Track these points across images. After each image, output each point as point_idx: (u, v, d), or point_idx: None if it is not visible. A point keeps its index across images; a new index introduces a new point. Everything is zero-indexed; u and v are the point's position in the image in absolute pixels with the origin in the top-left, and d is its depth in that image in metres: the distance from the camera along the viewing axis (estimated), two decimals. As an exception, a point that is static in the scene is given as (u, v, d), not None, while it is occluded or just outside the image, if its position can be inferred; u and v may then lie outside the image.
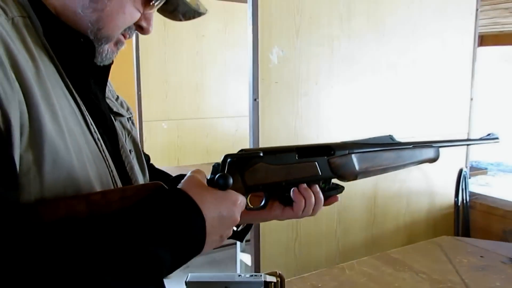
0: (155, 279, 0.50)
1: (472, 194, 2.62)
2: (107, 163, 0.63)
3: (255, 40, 1.80)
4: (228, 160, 0.69)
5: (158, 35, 3.30)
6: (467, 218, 2.46)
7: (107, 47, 0.65)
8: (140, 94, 3.24)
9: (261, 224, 1.92)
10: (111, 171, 0.64)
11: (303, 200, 0.75)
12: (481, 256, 1.41)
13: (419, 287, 1.19)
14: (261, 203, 0.77)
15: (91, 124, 0.61)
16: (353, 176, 0.80)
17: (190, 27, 3.44)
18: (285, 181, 0.74)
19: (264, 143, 1.87)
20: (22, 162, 0.49)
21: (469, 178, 2.62)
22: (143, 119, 3.21)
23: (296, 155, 0.75)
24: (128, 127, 0.78)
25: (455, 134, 2.49)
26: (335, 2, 1.98)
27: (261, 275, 1.00)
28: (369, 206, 2.25)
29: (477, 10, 2.46)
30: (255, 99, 1.84)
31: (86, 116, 0.61)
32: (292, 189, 0.76)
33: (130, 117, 0.81)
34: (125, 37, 0.68)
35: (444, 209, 2.54)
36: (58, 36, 0.59)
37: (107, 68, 0.71)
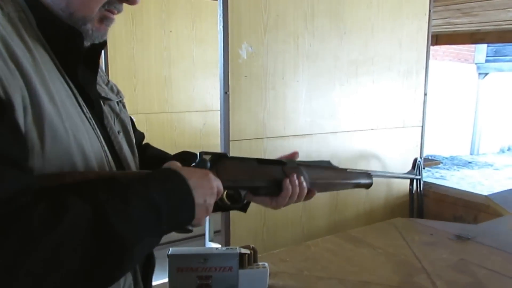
0: (155, 222, 0.61)
1: (426, 184, 2.82)
2: (99, 139, 0.70)
3: (225, 36, 1.90)
4: (203, 156, 0.82)
5: (126, 30, 3.32)
6: (421, 204, 2.65)
7: (89, 27, 0.68)
8: (109, 88, 3.26)
9: (231, 213, 2.02)
10: (104, 149, 0.71)
11: (291, 189, 0.87)
12: (431, 234, 1.58)
13: (376, 259, 1.33)
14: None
15: (83, 106, 0.68)
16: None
17: (158, 23, 3.49)
18: (250, 181, 0.87)
19: (234, 134, 1.97)
20: (27, 139, 0.56)
21: (423, 168, 2.82)
22: (112, 113, 3.24)
23: (256, 162, 0.88)
24: (117, 110, 0.84)
25: (410, 126, 2.68)
26: (300, 2, 2.11)
27: (236, 248, 1.11)
28: (332, 194, 2.40)
29: (430, 11, 2.65)
30: (225, 92, 1.93)
31: (78, 99, 0.67)
32: (284, 179, 0.88)
33: (120, 101, 0.87)
34: (112, 12, 0.71)
35: (400, 197, 2.73)
36: (48, 26, 0.65)
37: (97, 52, 0.76)
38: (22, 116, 0.55)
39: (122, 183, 0.62)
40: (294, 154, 0.96)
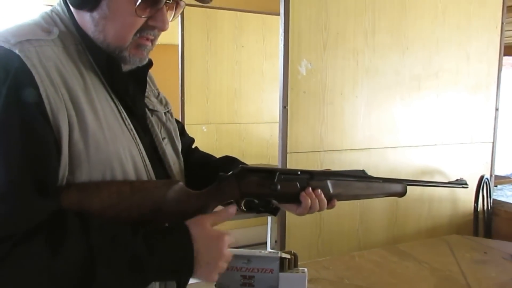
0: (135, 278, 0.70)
1: (496, 202, 2.70)
2: (138, 147, 0.81)
3: (286, 53, 2.02)
4: (230, 172, 0.91)
5: (201, 45, 3.57)
6: (488, 223, 2.55)
7: (127, 54, 0.78)
8: (184, 100, 3.52)
9: (287, 220, 2.12)
10: (141, 153, 0.82)
11: (309, 201, 0.94)
12: (485, 252, 1.55)
13: (420, 274, 1.36)
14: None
15: (126, 119, 0.80)
16: (328, 197, 0.97)
17: (231, 39, 3.70)
18: (271, 194, 0.93)
19: (291, 147, 2.08)
20: (75, 149, 0.70)
21: (495, 186, 2.70)
22: (185, 122, 3.49)
23: (282, 176, 0.94)
24: (164, 119, 0.96)
25: (479, 142, 2.59)
26: (360, 19, 2.17)
27: (277, 252, 1.20)
28: (391, 208, 2.40)
29: (502, 23, 2.56)
30: (284, 107, 2.05)
31: (122, 113, 0.80)
32: (301, 193, 0.94)
33: (167, 111, 0.99)
34: (147, 39, 0.79)
35: (466, 215, 2.64)
36: (96, 55, 0.78)
37: (144, 71, 0.88)
38: (67, 132, 0.68)
39: (126, 237, 0.71)
40: (328, 170, 1.01)
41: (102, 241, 0.68)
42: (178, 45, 3.56)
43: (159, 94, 1.00)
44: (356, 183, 1.02)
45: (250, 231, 4.08)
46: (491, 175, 2.67)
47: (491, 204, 2.60)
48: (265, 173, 0.93)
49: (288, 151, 2.07)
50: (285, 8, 1.99)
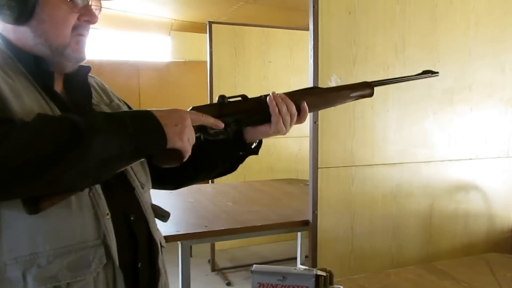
0: (113, 123, 0.74)
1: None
2: None
3: (315, 68, 2.02)
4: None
5: (230, 62, 3.62)
6: (528, 241, 2.45)
7: (69, 50, 0.85)
8: (212, 115, 3.57)
9: (319, 235, 2.09)
10: None
11: (275, 105, 1.00)
12: (527, 272, 1.49)
13: (459, 294, 1.31)
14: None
15: (56, 114, 0.83)
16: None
17: (259, 54, 3.74)
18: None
19: (322, 162, 2.07)
20: None
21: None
22: (214, 137, 3.52)
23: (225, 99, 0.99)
24: None
25: (515, 157, 2.51)
26: (390, 34, 2.15)
27: (313, 270, 1.19)
28: (425, 225, 2.34)
29: (539, 34, 2.49)
30: (315, 122, 2.04)
31: (53, 111, 0.83)
32: (267, 97, 1.01)
33: None
34: (83, 35, 0.87)
35: (505, 232, 2.55)
36: (24, 61, 0.84)
37: (84, 76, 0.94)
38: None
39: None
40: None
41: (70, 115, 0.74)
42: (206, 62, 3.62)
43: (111, 102, 1.03)
44: (312, 91, 1.11)
45: (279, 246, 4.06)
46: (530, 190, 2.57)
47: (531, 220, 2.50)
48: (217, 104, 0.98)
49: (319, 166, 2.06)
50: (314, 23, 2.00)
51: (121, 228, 0.87)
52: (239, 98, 1.03)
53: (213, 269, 3.69)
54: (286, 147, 3.91)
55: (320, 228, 2.09)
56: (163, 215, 1.06)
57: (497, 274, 1.46)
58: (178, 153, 0.82)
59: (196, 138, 0.87)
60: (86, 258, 0.80)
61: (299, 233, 3.02)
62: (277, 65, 3.82)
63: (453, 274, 1.44)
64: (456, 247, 2.42)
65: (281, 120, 1.01)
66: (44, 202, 0.72)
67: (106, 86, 1.06)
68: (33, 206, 0.72)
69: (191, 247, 2.01)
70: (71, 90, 0.92)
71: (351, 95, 1.12)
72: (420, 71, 2.12)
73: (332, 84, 2.06)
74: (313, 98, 1.08)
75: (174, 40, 5.10)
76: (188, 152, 0.82)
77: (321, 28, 2.01)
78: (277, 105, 1.00)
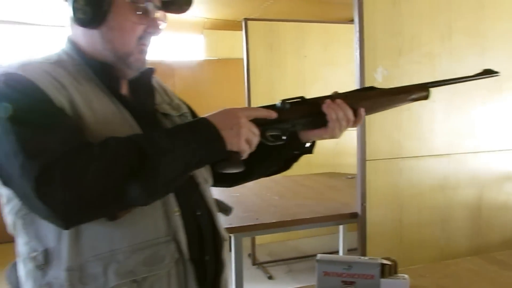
0: (178, 141, 0.78)
1: None
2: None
3: (362, 60, 2.02)
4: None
5: (266, 58, 3.65)
6: None
7: (132, 59, 0.89)
8: (250, 111, 3.60)
9: (368, 228, 2.09)
10: None
11: (333, 111, 0.99)
12: None
13: (524, 283, 1.30)
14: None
15: (126, 117, 0.88)
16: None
17: (294, 49, 3.74)
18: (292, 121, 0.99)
19: (370, 154, 2.06)
20: None
21: None
22: (252, 134, 3.55)
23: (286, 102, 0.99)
24: (177, 121, 1.02)
25: None
26: (436, 22, 2.13)
27: (378, 258, 1.20)
28: (473, 217, 2.31)
29: None
30: (361, 114, 2.03)
31: (122, 112, 0.88)
32: (322, 105, 1.00)
33: (180, 114, 1.05)
34: (145, 45, 0.91)
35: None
36: (94, 67, 0.89)
37: (148, 78, 0.99)
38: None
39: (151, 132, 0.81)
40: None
41: (135, 134, 0.81)
42: (243, 59, 3.65)
43: (172, 101, 1.07)
44: (368, 92, 1.07)
45: (317, 241, 4.07)
46: None
47: None
48: (276, 106, 0.98)
49: (367, 159, 2.06)
50: (359, 16, 2.00)
51: (189, 224, 0.91)
52: (298, 99, 1.03)
53: (253, 263, 3.73)
54: (322, 141, 3.87)
55: (369, 220, 2.09)
56: (226, 209, 1.10)
57: (561, 264, 1.43)
58: (236, 154, 0.85)
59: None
60: (160, 253, 0.85)
61: (341, 227, 3.02)
62: (312, 60, 3.82)
63: (515, 264, 1.43)
64: (506, 239, 2.37)
65: (338, 126, 1.02)
66: (122, 211, 0.80)
67: (166, 85, 1.11)
68: (112, 215, 0.79)
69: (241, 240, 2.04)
70: (136, 91, 0.97)
71: (408, 98, 1.11)
72: (468, 62, 2.08)
73: (379, 76, 2.05)
74: (369, 103, 1.07)
75: (207, 39, 5.16)
76: (245, 151, 0.85)
77: (366, 20, 2.00)
78: (334, 112, 1.00)
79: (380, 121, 2.08)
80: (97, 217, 0.77)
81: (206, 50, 5.24)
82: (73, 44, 0.91)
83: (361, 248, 2.10)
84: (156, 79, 1.07)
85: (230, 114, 0.85)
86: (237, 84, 4.05)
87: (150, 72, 0.99)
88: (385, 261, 1.19)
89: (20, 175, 0.70)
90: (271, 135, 0.98)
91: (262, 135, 0.94)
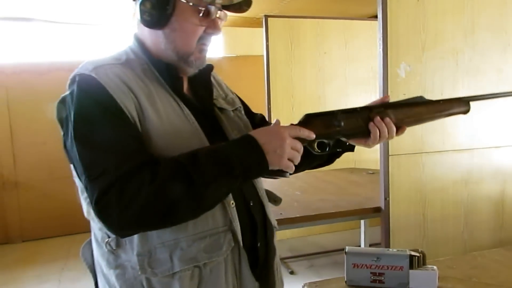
0: (221, 168, 0.83)
1: None
2: (199, 136, 0.93)
3: (385, 56, 2.04)
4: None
5: (285, 54, 3.68)
6: None
7: (192, 58, 0.94)
8: (270, 108, 3.64)
9: (391, 223, 2.13)
10: (203, 143, 0.93)
11: (377, 129, 0.99)
12: None
13: (551, 274, 1.32)
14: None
15: (188, 114, 0.93)
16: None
17: (314, 46, 3.77)
18: (337, 132, 1.00)
19: (393, 149, 2.09)
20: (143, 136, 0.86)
21: None
22: (272, 129, 3.60)
23: (344, 114, 1.00)
24: (232, 115, 1.08)
25: None
26: (459, 18, 2.14)
27: (406, 250, 1.24)
28: (497, 210, 2.32)
29: None
30: (384, 110, 2.06)
31: (184, 110, 0.93)
32: (369, 123, 0.99)
33: (234, 109, 1.11)
34: (205, 44, 0.95)
35: None
36: (158, 67, 0.95)
37: (207, 75, 1.04)
38: (138, 122, 0.86)
39: (198, 151, 0.85)
40: (385, 98, 1.05)
41: (185, 155, 0.84)
42: (263, 56, 3.69)
43: (226, 96, 1.13)
44: (416, 108, 1.04)
45: (337, 236, 4.10)
46: None
47: None
48: (328, 115, 1.00)
49: (390, 154, 2.09)
50: (383, 12, 2.02)
51: (243, 214, 0.97)
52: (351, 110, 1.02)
53: (274, 258, 3.77)
54: (342, 137, 3.92)
55: (392, 215, 2.12)
56: (275, 200, 1.15)
57: None
58: (279, 172, 0.90)
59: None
60: (218, 241, 0.92)
61: (362, 221, 3.05)
62: (332, 56, 3.84)
63: (541, 256, 1.45)
64: (530, 233, 2.38)
65: (377, 141, 1.02)
66: None
67: (221, 80, 1.16)
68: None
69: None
70: (196, 87, 1.03)
71: (449, 112, 1.08)
72: (491, 58, 2.09)
73: (402, 72, 2.07)
74: (413, 120, 1.05)
75: (225, 36, 5.20)
76: (290, 168, 0.90)
77: (389, 16, 2.03)
78: (380, 130, 1.00)
79: (403, 117, 2.10)
80: (151, 230, 0.87)
81: (225, 47, 5.29)
82: (140, 42, 0.98)
83: (384, 242, 2.13)
84: (213, 73, 1.13)
85: (277, 135, 0.89)
86: (257, 81, 4.09)
87: (209, 68, 1.05)
88: (413, 253, 1.23)
89: (86, 189, 0.82)
90: (318, 143, 1.01)
91: (310, 144, 0.99)
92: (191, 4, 0.90)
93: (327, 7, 4.35)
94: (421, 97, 1.07)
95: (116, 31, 4.60)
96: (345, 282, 1.27)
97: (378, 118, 1.00)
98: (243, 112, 1.15)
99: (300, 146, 0.91)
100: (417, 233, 2.19)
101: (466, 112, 1.09)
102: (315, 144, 1.01)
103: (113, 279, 0.92)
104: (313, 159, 1.15)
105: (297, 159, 0.91)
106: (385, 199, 2.11)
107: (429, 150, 2.17)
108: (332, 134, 1.01)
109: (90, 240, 1.00)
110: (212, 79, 1.10)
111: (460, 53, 2.16)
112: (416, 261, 1.23)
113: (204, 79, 1.04)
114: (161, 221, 0.82)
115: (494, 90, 2.21)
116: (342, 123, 1.00)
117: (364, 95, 3.87)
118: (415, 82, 2.10)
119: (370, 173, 3.21)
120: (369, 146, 1.05)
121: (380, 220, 2.16)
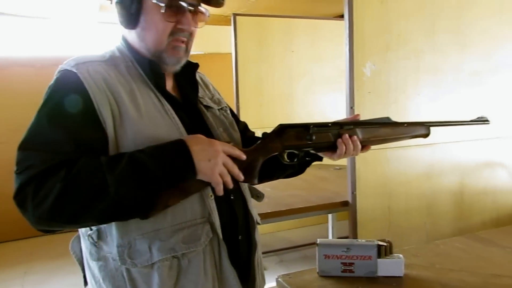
0: (139, 172, 0.84)
1: None
2: (179, 131, 0.95)
3: (351, 56, 2.12)
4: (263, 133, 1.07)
5: (254, 53, 3.72)
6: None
7: (165, 55, 0.97)
8: (239, 105, 3.68)
9: (358, 216, 2.21)
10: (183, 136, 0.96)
11: (344, 146, 1.06)
12: None
13: (507, 257, 1.43)
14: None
15: (168, 110, 0.96)
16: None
17: (281, 45, 3.83)
18: (308, 145, 1.06)
19: (359, 144, 2.17)
20: (119, 134, 0.88)
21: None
22: (242, 127, 3.64)
23: (316, 128, 1.05)
24: (217, 114, 1.12)
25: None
26: (420, 20, 2.25)
27: (374, 241, 1.31)
28: (456, 201, 2.45)
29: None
30: (351, 107, 2.15)
31: (164, 106, 0.96)
32: (338, 139, 1.05)
33: (220, 108, 1.15)
34: (178, 40, 0.97)
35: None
36: (141, 63, 0.98)
37: (192, 73, 1.07)
38: (111, 121, 0.88)
39: (134, 151, 0.86)
40: (356, 116, 1.14)
41: (108, 158, 0.85)
42: (231, 54, 3.72)
43: (213, 96, 1.18)
44: (382, 128, 1.13)
45: (306, 231, 4.19)
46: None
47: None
48: (301, 127, 1.06)
49: (357, 150, 2.17)
50: (349, 12, 2.10)
51: (223, 207, 1.00)
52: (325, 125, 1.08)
53: (245, 254, 3.82)
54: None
55: (359, 208, 2.21)
56: (258, 195, 1.19)
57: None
58: (209, 184, 0.92)
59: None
60: (196, 233, 0.95)
61: (330, 216, 3.14)
62: (300, 55, 3.92)
63: (496, 241, 1.56)
64: (485, 222, 2.52)
65: (342, 156, 1.09)
66: (152, 213, 0.89)
67: (209, 82, 1.20)
68: (143, 215, 0.88)
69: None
70: (181, 85, 1.07)
71: (412, 134, 1.19)
72: (450, 58, 2.21)
73: (367, 71, 2.16)
74: (379, 140, 1.13)
75: (193, 34, 5.20)
76: (219, 185, 0.90)
77: (355, 17, 2.11)
78: (347, 147, 1.06)
79: (369, 114, 2.18)
80: (65, 228, 0.85)
81: (193, 44, 5.28)
82: (126, 41, 1.02)
83: (352, 234, 2.22)
84: (200, 74, 1.17)
85: (213, 146, 0.90)
86: (225, 78, 4.11)
87: (194, 67, 1.08)
88: (381, 243, 1.31)
89: None
90: (288, 154, 1.07)
91: (280, 154, 1.05)
92: (154, 1, 0.94)
93: (295, 6, 4.42)
94: (387, 118, 1.16)
95: (73, 25, 4.49)
96: (317, 273, 1.33)
97: (347, 136, 1.06)
98: (229, 112, 1.19)
99: (231, 164, 0.93)
100: (383, 224, 2.28)
101: (426, 136, 1.21)
102: (285, 155, 1.07)
103: (96, 271, 0.94)
104: (285, 168, 1.20)
105: (227, 178, 0.92)
106: (353, 193, 2.19)
107: (393, 145, 2.27)
108: (302, 146, 1.06)
109: (79, 235, 1.02)
110: (199, 79, 1.14)
111: (421, 53, 2.27)
112: (384, 250, 1.31)
113: (189, 77, 1.08)
114: (71, 218, 0.82)
115: (452, 88, 2.35)
116: (314, 137, 1.05)
117: (331, 93, 3.97)
118: (380, 81, 2.20)
119: (337, 168, 3.30)
120: (334, 159, 1.12)
121: (348, 213, 2.25)
